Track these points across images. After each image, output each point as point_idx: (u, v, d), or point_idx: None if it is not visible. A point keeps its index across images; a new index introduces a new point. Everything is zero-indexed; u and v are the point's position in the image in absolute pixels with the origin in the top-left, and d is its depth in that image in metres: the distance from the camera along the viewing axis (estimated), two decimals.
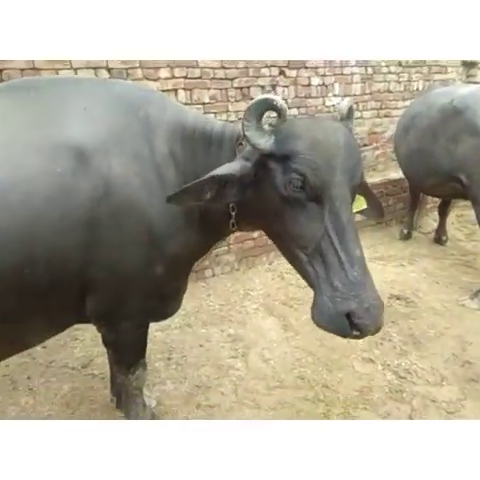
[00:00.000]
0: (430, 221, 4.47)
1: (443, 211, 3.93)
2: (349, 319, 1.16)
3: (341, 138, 1.25)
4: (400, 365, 2.36)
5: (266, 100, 1.21)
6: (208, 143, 1.49)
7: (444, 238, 3.98)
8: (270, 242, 3.95)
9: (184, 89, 3.33)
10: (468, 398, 2.12)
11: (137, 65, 3.11)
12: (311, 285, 1.32)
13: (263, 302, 3.03)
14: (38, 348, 2.35)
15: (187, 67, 3.31)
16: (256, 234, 3.51)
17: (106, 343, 1.69)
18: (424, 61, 4.90)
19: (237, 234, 3.41)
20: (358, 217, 4.40)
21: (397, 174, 4.29)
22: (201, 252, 1.72)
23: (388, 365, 2.37)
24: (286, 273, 3.46)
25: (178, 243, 1.51)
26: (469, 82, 5.30)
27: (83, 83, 1.52)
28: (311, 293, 3.16)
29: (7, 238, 1.22)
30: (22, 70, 2.64)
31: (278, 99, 1.22)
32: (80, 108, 1.38)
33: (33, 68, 2.67)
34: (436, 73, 5.12)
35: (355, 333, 1.18)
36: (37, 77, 2.45)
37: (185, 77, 3.32)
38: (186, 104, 3.34)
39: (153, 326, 2.66)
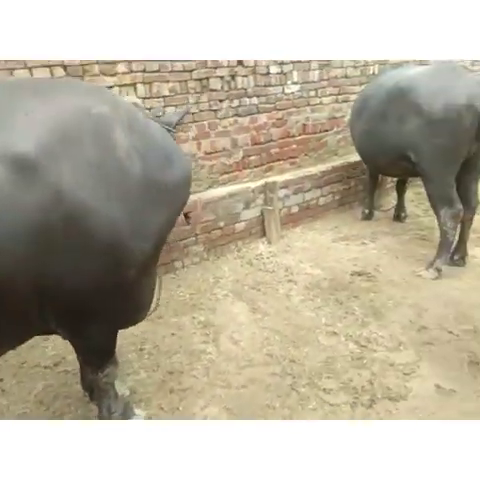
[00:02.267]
0: (391, 200, 4.67)
1: (400, 190, 4.13)
2: None
3: None
4: (361, 335, 2.51)
5: None
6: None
7: (403, 215, 4.18)
8: (238, 230, 4.05)
9: (143, 83, 3.35)
10: (423, 359, 2.29)
11: (94, 61, 3.10)
12: None
13: (232, 288, 3.13)
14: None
15: (145, 61, 3.33)
16: (222, 223, 3.59)
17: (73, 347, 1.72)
18: None
19: (203, 224, 3.49)
20: (322, 201, 4.51)
21: (357, 157, 4.45)
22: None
23: (350, 336, 2.51)
24: (254, 259, 3.58)
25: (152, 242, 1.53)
26: (422, 64, 5.50)
27: (27, 86, 1.50)
28: (277, 277, 3.26)
29: None
30: None
31: None
32: (22, 113, 1.30)
33: None
34: None
35: None
36: None
37: (143, 71, 3.33)
38: (146, 98, 3.37)
39: None
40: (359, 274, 3.22)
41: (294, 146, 4.54)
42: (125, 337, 2.60)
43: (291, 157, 4.55)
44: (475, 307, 2.71)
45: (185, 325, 2.71)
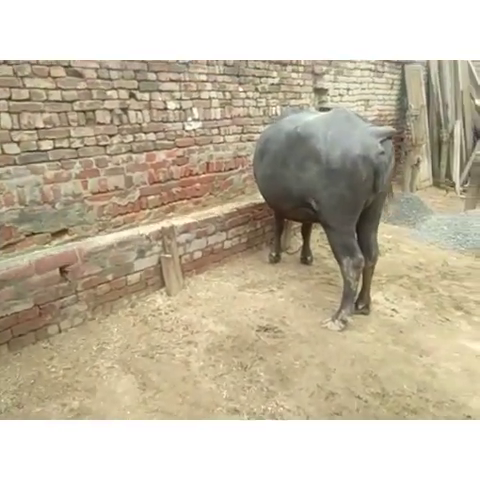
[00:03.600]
0: (298, 241, 4.60)
1: (305, 233, 4.06)
2: None
3: None
4: (266, 410, 2.20)
5: None
6: None
7: (309, 258, 4.10)
8: (132, 282, 3.57)
9: (9, 112, 2.80)
10: None
11: None
12: None
13: (120, 357, 2.62)
14: None
15: (10, 87, 2.80)
16: (111, 276, 3.10)
17: None
18: (279, 87, 5.13)
19: (86, 279, 2.96)
20: (227, 244, 4.21)
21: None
22: None
23: (254, 413, 2.18)
24: (150, 315, 3.12)
25: None
26: (321, 108, 5.73)
27: None
28: (175, 338, 2.87)
29: None
30: None
31: None
32: None
33: None
34: (291, 98, 5.40)
35: None
36: None
37: (9, 99, 2.79)
38: (13, 130, 2.83)
39: None
40: (265, 329, 2.95)
41: (198, 185, 4.28)
42: None
43: (195, 196, 4.27)
44: (380, 363, 2.59)
45: (51, 416, 2.13)
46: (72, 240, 3.24)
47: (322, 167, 2.66)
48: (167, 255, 3.35)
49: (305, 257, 4.10)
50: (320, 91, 5.79)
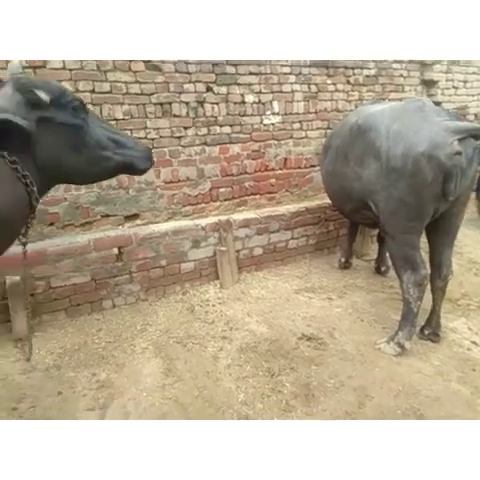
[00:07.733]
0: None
1: (382, 239, 3.62)
2: None
3: None
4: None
5: None
6: None
7: (384, 268, 3.65)
8: (185, 271, 3.64)
9: (91, 104, 3.10)
10: None
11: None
12: None
13: (156, 340, 2.70)
14: None
15: (94, 81, 3.10)
16: (165, 262, 3.21)
17: None
18: (377, 79, 4.69)
19: (140, 262, 3.12)
20: (293, 243, 4.01)
21: None
22: None
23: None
24: (198, 305, 3.16)
25: None
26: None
27: None
28: (213, 331, 2.84)
29: None
30: None
31: None
32: None
33: None
34: (392, 92, 4.89)
35: None
36: None
37: (92, 91, 3.10)
38: None
39: (16, 367, 2.36)
40: (308, 338, 2.72)
41: (273, 180, 4.18)
42: (8, 388, 2.23)
43: (269, 192, 4.18)
44: (433, 402, 2.16)
45: (80, 383, 2.30)
46: (143, 224, 3.48)
47: (381, 165, 2.30)
48: (222, 248, 3.34)
49: (379, 267, 3.67)
50: (429, 83, 5.11)
